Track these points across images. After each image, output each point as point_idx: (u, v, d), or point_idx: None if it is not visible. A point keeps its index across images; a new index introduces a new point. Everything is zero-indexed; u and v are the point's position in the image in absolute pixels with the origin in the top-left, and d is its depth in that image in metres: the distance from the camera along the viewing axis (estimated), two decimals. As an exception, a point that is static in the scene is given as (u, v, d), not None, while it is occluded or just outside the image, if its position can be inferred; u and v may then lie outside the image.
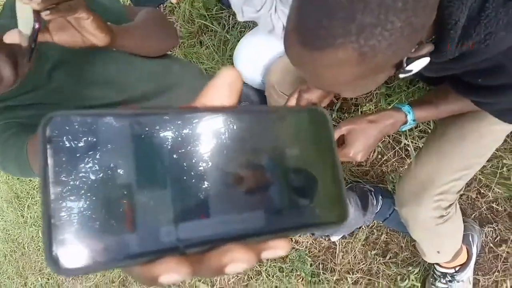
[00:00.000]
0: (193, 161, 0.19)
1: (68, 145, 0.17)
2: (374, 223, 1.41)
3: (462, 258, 1.15)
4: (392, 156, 1.37)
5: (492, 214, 1.20)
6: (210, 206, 0.19)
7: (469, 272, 1.18)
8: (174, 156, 0.19)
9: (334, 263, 1.49)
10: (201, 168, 0.19)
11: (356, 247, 1.44)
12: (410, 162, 1.28)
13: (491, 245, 1.19)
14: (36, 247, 2.73)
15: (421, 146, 1.26)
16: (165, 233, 0.18)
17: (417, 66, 0.58)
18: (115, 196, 0.17)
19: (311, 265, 1.52)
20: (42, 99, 0.79)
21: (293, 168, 0.21)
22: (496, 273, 1.18)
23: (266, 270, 1.63)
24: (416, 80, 1.23)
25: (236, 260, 0.18)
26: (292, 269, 1.56)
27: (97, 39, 0.66)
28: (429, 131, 1.23)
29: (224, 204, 0.19)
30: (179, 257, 0.18)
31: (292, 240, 1.58)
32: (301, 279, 1.54)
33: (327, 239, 1.51)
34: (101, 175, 0.17)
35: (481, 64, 0.62)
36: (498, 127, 0.85)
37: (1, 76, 0.63)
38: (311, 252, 1.54)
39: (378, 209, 1.30)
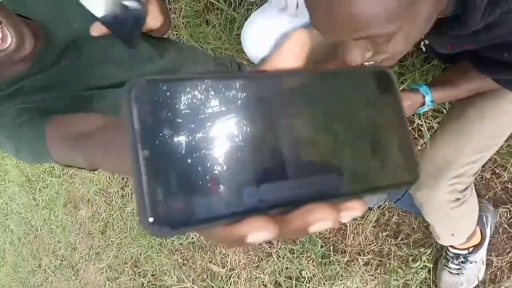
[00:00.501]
0: (274, 124, 0.19)
1: (153, 109, 0.17)
2: (386, 204, 1.39)
3: (476, 239, 1.13)
4: (404, 136, 1.34)
5: (506, 195, 1.18)
6: (290, 168, 0.19)
7: (482, 253, 1.16)
8: (252, 121, 0.19)
9: (345, 244, 1.48)
10: (281, 131, 0.20)
11: (367, 228, 1.43)
12: (424, 143, 1.26)
13: (505, 225, 1.18)
14: (49, 229, 2.77)
15: (434, 126, 1.23)
16: (250, 194, 0.18)
17: None
18: (201, 160, 0.18)
19: (321, 246, 1.52)
20: (51, 79, 0.79)
21: (367, 130, 0.22)
22: (510, 254, 1.16)
23: (276, 251, 1.64)
24: (431, 57, 1.19)
25: (320, 218, 0.19)
26: (303, 250, 1.57)
27: (158, 22, 0.65)
28: (444, 111, 1.19)
29: (304, 166, 0.20)
30: (265, 217, 0.18)
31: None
32: (312, 260, 1.54)
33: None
34: (186, 139, 0.18)
35: (507, 37, 0.58)
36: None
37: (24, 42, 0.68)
38: (322, 233, 1.54)
39: (390, 190, 1.28)
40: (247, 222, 0.18)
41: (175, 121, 0.18)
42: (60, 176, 2.69)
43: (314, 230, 0.19)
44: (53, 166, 2.76)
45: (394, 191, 0.19)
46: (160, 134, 0.17)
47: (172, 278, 2.02)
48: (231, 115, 0.19)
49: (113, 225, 2.33)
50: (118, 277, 2.31)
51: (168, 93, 0.18)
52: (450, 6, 0.55)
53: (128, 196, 2.26)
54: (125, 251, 2.26)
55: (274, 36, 1.14)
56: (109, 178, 2.36)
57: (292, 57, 0.22)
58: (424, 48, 0.78)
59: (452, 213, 0.89)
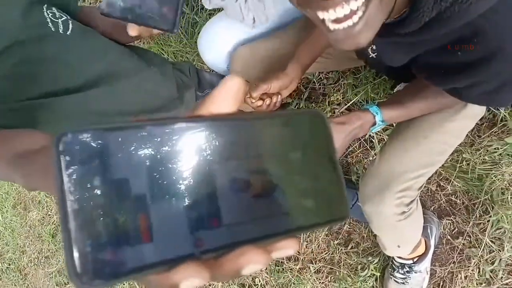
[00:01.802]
0: (203, 169, 0.20)
1: (81, 160, 0.17)
2: (338, 213, 1.41)
3: (420, 249, 1.17)
4: (357, 147, 1.37)
5: (450, 207, 1.23)
6: (222, 212, 0.20)
7: (426, 263, 1.20)
8: (184, 166, 0.19)
9: (298, 252, 1.49)
10: (211, 176, 0.20)
11: (320, 236, 1.45)
12: (375, 154, 1.29)
13: (448, 237, 1.22)
14: (-4, 231, 2.64)
15: (385, 139, 1.26)
16: (181, 241, 0.18)
17: None
18: (130, 209, 0.18)
19: (275, 254, 1.52)
20: None
21: (297, 171, 0.22)
22: (452, 264, 1.21)
23: (230, 258, 1.63)
24: (381, 72, 1.22)
25: (252, 261, 0.19)
26: (256, 257, 1.56)
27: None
28: (394, 124, 1.23)
29: (235, 210, 0.20)
30: (197, 263, 0.19)
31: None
32: (266, 268, 1.54)
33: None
34: (115, 188, 0.18)
35: (460, 31, 0.57)
36: (461, 123, 0.85)
37: None
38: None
39: (342, 200, 1.31)
40: (179, 270, 0.18)
41: (104, 172, 0.18)
42: (10, 176, 2.57)
43: (246, 272, 0.19)
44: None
45: (324, 228, 0.20)
46: (88, 186, 0.17)
47: (124, 284, 1.96)
48: (162, 161, 0.19)
49: (65, 229, 2.24)
50: (67, 282, 2.23)
51: (97, 145, 0.18)
52: (399, 6, 0.54)
53: (82, 198, 2.19)
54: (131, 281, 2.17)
55: (230, 43, 1.13)
56: (62, 179, 2.27)
57: (226, 102, 0.23)
58: (373, 56, 0.79)
59: (399, 226, 0.91)
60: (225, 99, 0.23)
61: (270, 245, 0.21)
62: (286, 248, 0.21)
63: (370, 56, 0.81)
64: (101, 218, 0.17)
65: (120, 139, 0.18)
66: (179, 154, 0.19)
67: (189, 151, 0.20)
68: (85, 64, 0.84)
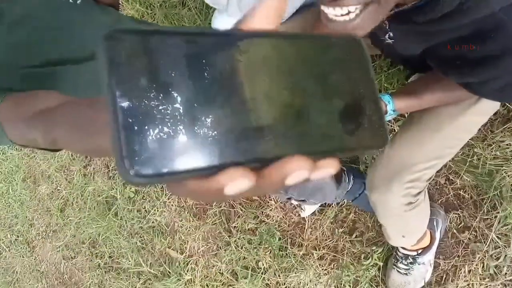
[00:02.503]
0: (251, 82, 0.20)
1: (131, 60, 0.17)
2: (344, 202, 1.42)
3: (425, 241, 1.17)
4: (367, 137, 1.36)
5: (458, 201, 1.22)
6: (267, 125, 0.20)
7: (430, 255, 1.20)
8: (231, 75, 0.20)
9: (302, 238, 1.50)
10: (258, 88, 0.20)
11: (325, 224, 1.45)
12: (384, 144, 1.28)
13: (454, 230, 1.22)
14: (6, 203, 2.69)
15: (396, 130, 1.25)
16: (228, 148, 0.19)
17: None
18: (180, 112, 0.18)
19: (279, 239, 1.54)
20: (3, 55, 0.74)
21: (338, 93, 0.23)
22: (456, 258, 1.21)
23: (235, 241, 1.65)
24: (397, 62, 1.20)
25: (297, 168, 0.19)
26: (261, 241, 1.58)
27: None
28: (406, 115, 1.22)
29: (280, 124, 0.20)
30: (243, 167, 0.19)
31: (262, 214, 1.59)
32: (269, 252, 1.56)
33: (297, 214, 1.52)
34: (164, 89, 0.18)
35: (479, 23, 0.57)
36: (474, 118, 0.84)
37: None
38: (281, 226, 1.56)
39: (349, 188, 1.31)
40: (225, 172, 0.18)
41: (154, 73, 0.18)
42: (21, 150, 2.61)
43: (291, 181, 0.19)
44: (14, 139, 2.66)
45: (363, 153, 0.21)
46: (138, 83, 0.17)
47: (129, 261, 2.00)
48: (208, 69, 0.19)
49: (73, 204, 2.28)
50: (74, 256, 2.27)
51: (146, 45, 0.18)
52: None
53: (90, 175, 2.21)
54: (83, 231, 2.21)
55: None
56: (72, 155, 2.30)
57: (266, 19, 0.22)
58: (390, 42, 0.78)
59: (405, 216, 0.91)
60: (266, 15, 0.22)
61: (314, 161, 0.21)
62: (327, 166, 0.21)
63: (386, 42, 0.79)
64: (151, 117, 0.17)
65: (166, 42, 0.19)
66: (221, 64, 0.20)
67: (231, 63, 0.20)
68: (94, 34, 0.84)
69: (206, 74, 0.19)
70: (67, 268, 2.31)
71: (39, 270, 2.45)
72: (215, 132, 0.19)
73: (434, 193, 1.25)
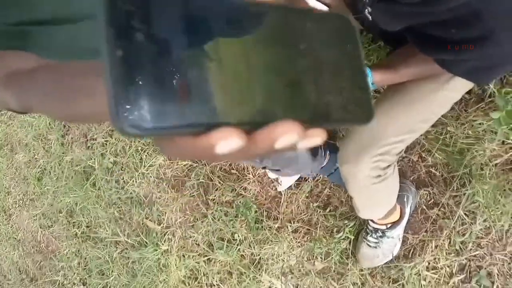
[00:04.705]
0: (247, 49, 0.21)
1: (129, 10, 0.18)
2: (320, 177, 1.44)
3: (395, 216, 1.20)
4: (345, 113, 1.37)
5: (429, 178, 1.25)
6: (259, 90, 0.20)
7: (399, 230, 1.24)
8: (229, 40, 0.20)
9: (278, 211, 1.53)
10: (253, 56, 0.21)
11: (300, 198, 1.47)
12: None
13: (424, 207, 1.25)
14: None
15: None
16: (222, 108, 0.19)
17: None
18: (177, 68, 0.18)
19: (255, 212, 1.56)
20: None
21: (329, 67, 0.23)
22: (424, 233, 1.24)
23: (212, 213, 1.66)
24: (377, 38, 1.20)
25: (287, 131, 0.19)
26: (237, 214, 1.60)
27: None
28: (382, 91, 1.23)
29: (271, 89, 0.21)
30: (234, 127, 0.19)
31: (240, 187, 1.60)
32: (245, 224, 1.58)
33: (274, 188, 1.54)
34: (159, 43, 0.18)
35: (457, 10, 0.59)
36: (448, 94, 0.85)
37: None
38: (258, 200, 1.57)
39: (325, 163, 1.32)
40: (217, 130, 0.19)
41: (152, 25, 0.18)
42: (-4, 117, 2.55)
43: (280, 145, 0.20)
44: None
45: (350, 125, 0.22)
46: (133, 35, 0.18)
47: (106, 231, 2.00)
48: (208, 29, 0.20)
49: (50, 173, 2.26)
50: (51, 225, 2.27)
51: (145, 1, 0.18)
52: None
53: (68, 144, 2.19)
54: (61, 200, 2.20)
55: None
56: (50, 124, 2.26)
57: None
58: (370, 18, 0.78)
59: (373, 188, 0.93)
60: None
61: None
62: (315, 135, 0.21)
63: (366, 16, 0.79)
64: (147, 69, 0.18)
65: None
66: (221, 26, 0.20)
67: (232, 26, 0.21)
68: None
69: (203, 34, 0.19)
70: (44, 237, 2.31)
71: (15, 238, 2.44)
72: (211, 92, 0.19)
73: (406, 170, 1.28)
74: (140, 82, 0.17)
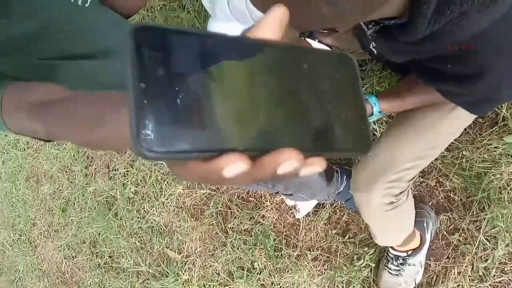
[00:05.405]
0: (256, 82, 0.23)
1: (153, 50, 0.21)
2: (338, 203, 1.44)
3: (415, 243, 1.18)
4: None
5: (448, 203, 1.24)
6: (265, 120, 0.23)
7: (421, 256, 1.22)
8: (240, 74, 0.23)
9: (297, 239, 1.52)
10: (261, 90, 0.23)
11: (319, 225, 1.47)
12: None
13: (444, 232, 1.23)
14: (10, 202, 2.73)
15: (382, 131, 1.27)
16: (230, 136, 0.21)
17: None
18: (189, 99, 0.21)
19: (274, 240, 1.56)
20: (15, 42, 0.77)
21: (329, 101, 0.26)
22: (446, 260, 1.22)
23: (231, 241, 1.67)
24: (385, 67, 1.22)
25: (288, 158, 0.22)
26: (256, 242, 1.60)
27: None
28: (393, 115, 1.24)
29: (275, 119, 0.23)
30: (240, 153, 0.21)
31: (258, 215, 1.61)
32: (264, 253, 1.58)
33: (292, 215, 1.54)
34: (177, 79, 0.21)
35: (451, 48, 0.60)
36: (454, 122, 0.86)
37: None
38: (276, 227, 1.58)
39: (342, 188, 1.33)
40: (225, 155, 0.21)
41: (170, 63, 0.21)
42: (24, 150, 2.65)
43: (282, 170, 0.22)
44: (18, 139, 2.71)
45: (348, 156, 0.25)
46: (156, 72, 0.20)
47: (128, 261, 2.03)
48: (217, 67, 0.22)
49: (74, 204, 2.31)
50: (75, 256, 2.31)
51: (166, 40, 0.21)
52: (397, 9, 0.55)
53: (92, 175, 2.25)
54: (84, 231, 2.25)
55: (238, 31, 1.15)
56: (74, 156, 2.33)
57: (271, 29, 0.25)
58: (375, 52, 0.81)
59: (386, 215, 0.93)
60: (270, 26, 0.25)
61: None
62: (315, 164, 0.24)
63: (371, 49, 0.82)
64: (165, 100, 0.20)
65: (185, 40, 0.22)
66: (232, 62, 0.23)
67: (243, 62, 0.23)
68: (99, 35, 0.88)
69: (214, 71, 0.22)
70: (68, 267, 2.35)
71: (41, 269, 2.49)
72: (221, 122, 0.21)
73: (425, 195, 1.27)
74: (159, 112, 0.20)
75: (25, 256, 2.59)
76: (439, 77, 0.69)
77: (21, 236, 2.65)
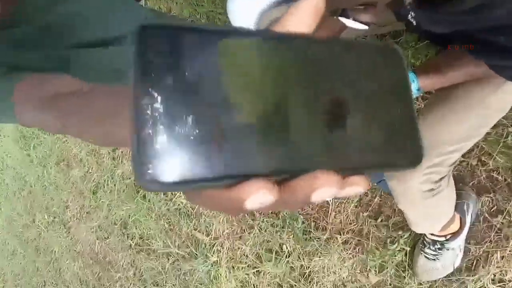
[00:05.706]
0: (282, 88, 0.18)
1: (161, 57, 0.16)
2: (369, 184, 1.37)
3: (455, 226, 1.11)
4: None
5: (491, 183, 1.14)
6: (295, 134, 0.18)
7: (460, 240, 1.14)
8: (263, 81, 0.18)
9: (326, 222, 1.47)
10: (289, 94, 0.18)
11: (349, 208, 1.41)
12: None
13: (486, 214, 1.15)
14: (42, 186, 2.80)
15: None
16: (251, 157, 0.17)
17: None
18: (205, 116, 0.17)
19: (303, 222, 1.51)
20: (30, 36, 0.75)
21: (373, 106, 0.20)
22: (488, 244, 1.14)
23: (258, 224, 1.64)
24: (423, 38, 1.12)
25: (325, 185, 0.17)
26: (284, 225, 1.56)
27: None
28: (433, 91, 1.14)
29: (309, 134, 0.18)
30: (266, 180, 0.17)
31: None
32: (292, 235, 1.54)
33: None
34: (190, 91, 0.17)
35: (503, 19, 0.54)
36: (505, 96, 0.77)
37: None
38: (304, 210, 1.53)
39: (374, 171, 1.26)
40: (246, 183, 0.17)
41: (182, 73, 0.17)
42: (53, 135, 2.69)
43: (317, 198, 0.18)
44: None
45: (395, 171, 0.19)
46: (164, 84, 0.16)
47: (158, 242, 2.04)
48: (239, 72, 0.18)
49: (104, 186, 2.34)
50: (107, 237, 2.35)
51: (178, 42, 0.17)
52: None
53: (119, 158, 2.26)
54: (115, 213, 2.28)
55: (261, 4, 1.08)
56: (100, 139, 2.35)
57: (304, 21, 0.21)
58: (414, 23, 0.73)
59: (425, 204, 0.86)
60: (303, 17, 0.21)
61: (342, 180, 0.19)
62: (356, 184, 0.19)
63: (411, 23, 0.73)
64: (174, 121, 0.16)
65: (198, 40, 0.17)
66: (253, 68, 0.18)
67: (265, 67, 0.18)
68: (112, 21, 0.85)
69: (237, 78, 0.18)
70: (101, 248, 2.40)
71: (75, 250, 2.56)
72: (241, 142, 0.17)
73: (465, 175, 1.18)
74: (163, 137, 0.16)
75: (60, 237, 2.66)
76: (489, 50, 0.62)
77: (55, 218, 2.72)
